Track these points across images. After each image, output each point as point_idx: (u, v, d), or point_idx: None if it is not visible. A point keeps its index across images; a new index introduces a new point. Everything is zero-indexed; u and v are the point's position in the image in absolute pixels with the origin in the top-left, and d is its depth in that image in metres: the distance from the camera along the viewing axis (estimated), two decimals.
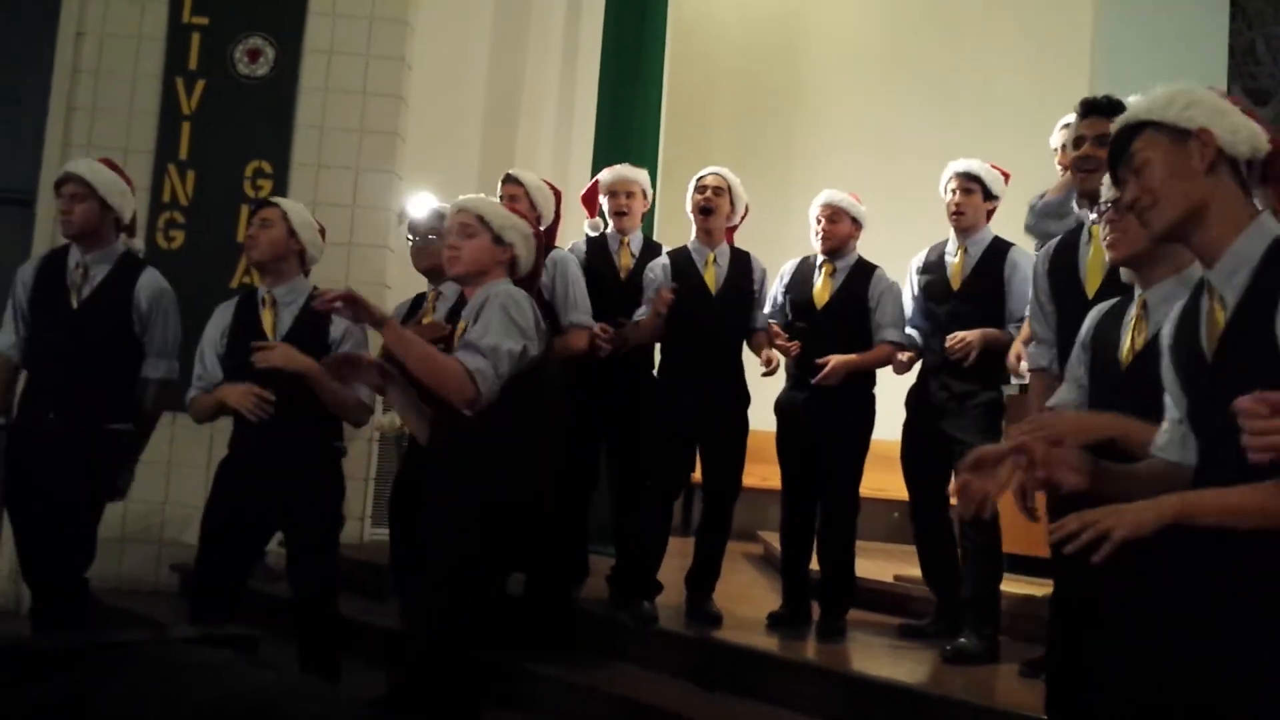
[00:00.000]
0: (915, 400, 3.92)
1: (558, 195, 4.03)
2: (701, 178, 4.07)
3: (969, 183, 3.88)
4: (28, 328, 3.47)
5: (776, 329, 3.93)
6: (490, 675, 2.93)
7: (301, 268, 3.39)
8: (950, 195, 3.90)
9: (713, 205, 4.00)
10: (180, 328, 3.51)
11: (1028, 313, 3.13)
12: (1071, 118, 3.08)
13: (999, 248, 3.86)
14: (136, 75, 5.16)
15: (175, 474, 4.84)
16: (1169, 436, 1.75)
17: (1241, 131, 1.61)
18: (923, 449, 3.84)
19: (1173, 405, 1.75)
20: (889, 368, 3.96)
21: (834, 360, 3.79)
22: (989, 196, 3.89)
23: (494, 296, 2.69)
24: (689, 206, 4.08)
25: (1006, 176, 3.97)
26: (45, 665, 1.44)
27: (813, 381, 3.83)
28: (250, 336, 3.22)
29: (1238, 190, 1.62)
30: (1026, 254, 3.76)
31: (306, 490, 3.22)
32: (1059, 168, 3.75)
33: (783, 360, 3.96)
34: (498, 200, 2.87)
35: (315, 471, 3.26)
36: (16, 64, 5.26)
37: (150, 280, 3.46)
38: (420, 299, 3.73)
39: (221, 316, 3.39)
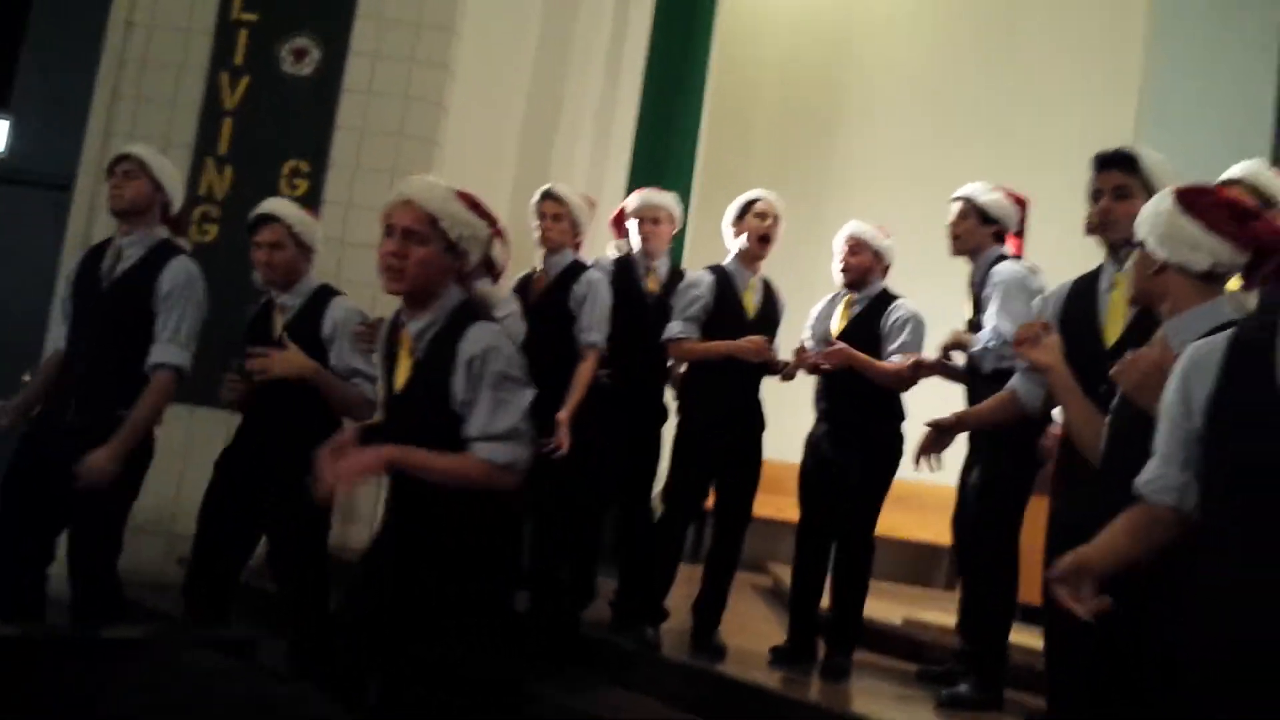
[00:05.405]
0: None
1: (592, 206, 4.03)
2: (758, 202, 3.97)
3: (963, 206, 3.79)
4: (69, 320, 3.41)
5: (804, 350, 3.89)
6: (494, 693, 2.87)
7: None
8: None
9: (773, 235, 3.96)
10: (200, 320, 3.34)
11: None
12: None
13: (992, 267, 3.70)
14: (182, 67, 5.19)
15: (190, 467, 4.83)
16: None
17: (1203, 258, 2.09)
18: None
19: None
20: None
21: (840, 345, 3.73)
22: (987, 221, 3.76)
23: (489, 359, 2.35)
24: (742, 230, 3.96)
25: (1022, 204, 3.84)
26: (50, 657, 1.43)
27: (812, 361, 3.78)
28: (260, 340, 3.25)
29: (1191, 285, 2.13)
30: (1013, 266, 3.65)
31: (291, 488, 3.09)
32: None
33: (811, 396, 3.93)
34: (451, 193, 2.43)
35: (304, 471, 3.22)
36: (65, 51, 5.33)
37: (179, 266, 3.30)
38: None
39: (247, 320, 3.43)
